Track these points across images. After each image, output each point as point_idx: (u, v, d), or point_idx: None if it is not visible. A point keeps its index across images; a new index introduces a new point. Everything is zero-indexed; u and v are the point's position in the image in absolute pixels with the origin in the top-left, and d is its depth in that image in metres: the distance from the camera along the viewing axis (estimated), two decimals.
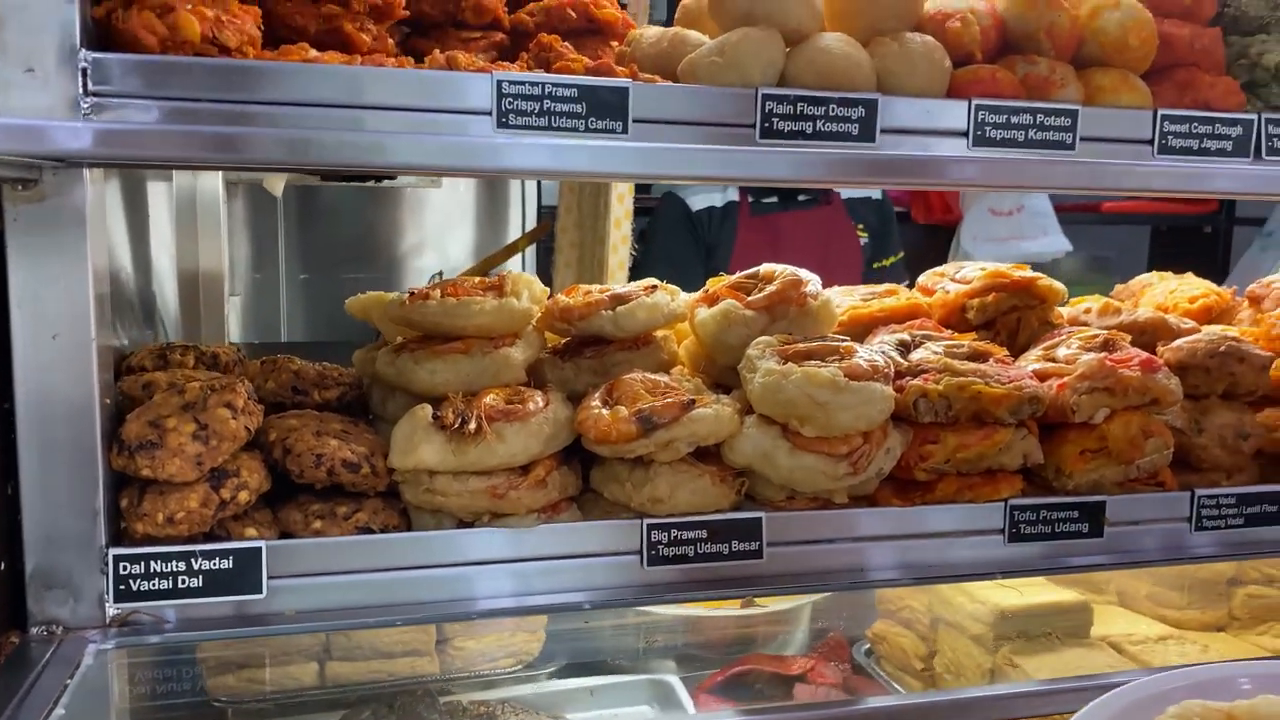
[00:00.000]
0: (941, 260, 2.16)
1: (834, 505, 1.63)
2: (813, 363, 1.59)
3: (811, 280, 1.79)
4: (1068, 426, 1.73)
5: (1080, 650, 2.04)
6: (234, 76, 1.30)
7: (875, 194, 4.43)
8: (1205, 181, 1.69)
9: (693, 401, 1.53)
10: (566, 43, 1.76)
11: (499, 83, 1.39)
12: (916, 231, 5.60)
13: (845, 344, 1.66)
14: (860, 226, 4.38)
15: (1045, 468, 1.73)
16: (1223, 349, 1.82)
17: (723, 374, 1.74)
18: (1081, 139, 1.63)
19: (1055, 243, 5.42)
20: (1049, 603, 2.10)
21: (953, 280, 2.02)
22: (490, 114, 1.40)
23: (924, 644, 2.24)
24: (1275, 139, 1.71)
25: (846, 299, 2.02)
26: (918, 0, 1.62)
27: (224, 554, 1.39)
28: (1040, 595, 2.10)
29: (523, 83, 1.40)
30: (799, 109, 1.50)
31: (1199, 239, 6.44)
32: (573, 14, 1.80)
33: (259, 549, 1.40)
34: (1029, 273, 1.98)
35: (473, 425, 1.47)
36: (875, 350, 1.68)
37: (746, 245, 4.16)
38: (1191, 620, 2.47)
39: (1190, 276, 2.47)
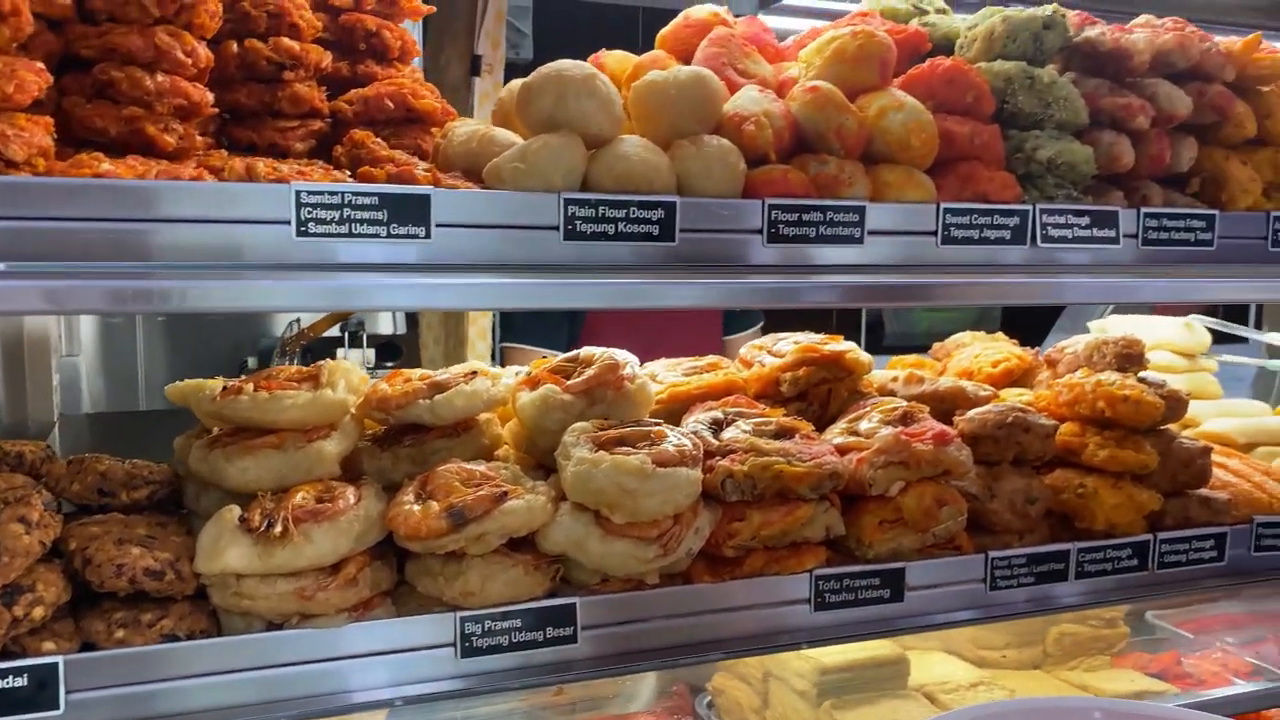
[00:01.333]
0: (807, 326, 2.27)
1: (647, 585, 1.69)
2: (624, 449, 1.65)
3: (629, 363, 1.86)
4: (867, 498, 1.83)
5: (896, 702, 2.16)
6: (13, 194, 1.29)
7: None
8: (988, 272, 1.81)
9: (505, 494, 1.58)
10: (383, 135, 1.79)
11: (298, 193, 1.41)
12: None
13: (658, 428, 1.73)
14: None
15: (848, 538, 1.83)
16: (1010, 420, 1.95)
17: (545, 456, 1.79)
18: (869, 232, 1.74)
19: None
20: (867, 658, 2.21)
21: (769, 353, 2.12)
22: (290, 223, 1.42)
23: (758, 697, 2.33)
24: (1049, 228, 1.86)
25: (670, 374, 2.10)
26: (715, 105, 1.71)
27: (17, 671, 1.37)
28: (860, 650, 2.21)
29: (321, 192, 1.42)
30: (600, 212, 1.56)
31: None
32: (390, 104, 1.83)
33: (55, 664, 1.38)
34: (840, 345, 2.09)
35: (279, 528, 1.48)
36: (686, 433, 1.76)
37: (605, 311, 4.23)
38: (1009, 660, 2.63)
39: (1000, 338, 2.64)
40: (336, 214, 1.44)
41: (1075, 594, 1.99)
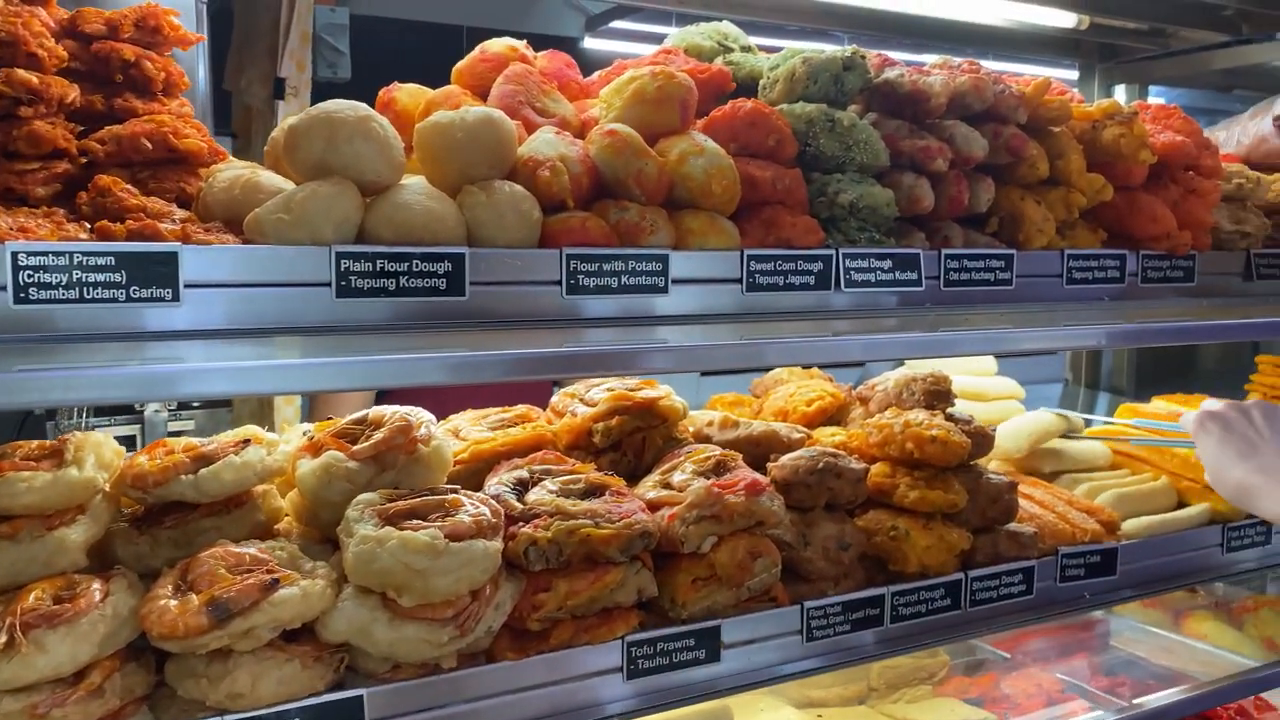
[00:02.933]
0: None
1: (444, 669, 1.56)
2: (414, 523, 1.52)
3: (424, 423, 1.73)
4: (680, 557, 1.76)
5: None
6: None
7: None
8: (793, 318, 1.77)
9: (276, 581, 1.42)
10: (142, 177, 1.61)
11: (14, 255, 1.23)
12: None
13: (453, 496, 1.61)
14: None
15: (661, 598, 1.75)
16: (821, 465, 1.92)
17: (331, 529, 1.63)
18: (674, 281, 1.67)
19: None
20: (688, 711, 2.13)
21: (582, 401, 2.03)
22: (6, 288, 1.23)
23: None
24: (852, 271, 1.84)
25: (475, 429, 1.97)
26: (507, 148, 1.60)
27: None
28: (680, 709, 2.13)
29: (44, 253, 1.24)
30: (379, 266, 1.44)
31: None
32: (148, 144, 1.64)
33: None
34: (653, 391, 2.02)
35: (3, 638, 1.28)
36: (486, 498, 1.64)
37: None
38: (836, 696, 2.62)
39: (816, 374, 2.64)
40: (64, 276, 1.26)
41: (891, 639, 1.97)
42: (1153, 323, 1.99)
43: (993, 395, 2.93)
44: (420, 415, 1.74)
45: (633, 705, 1.70)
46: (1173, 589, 2.35)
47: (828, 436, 2.20)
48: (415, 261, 1.46)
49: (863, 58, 1.95)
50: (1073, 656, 3.27)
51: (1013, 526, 2.15)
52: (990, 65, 2.19)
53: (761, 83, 2.00)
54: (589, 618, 1.67)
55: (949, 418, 2.12)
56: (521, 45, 1.97)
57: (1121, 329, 1.96)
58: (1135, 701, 2.23)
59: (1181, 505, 2.50)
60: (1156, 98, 4.24)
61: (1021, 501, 2.23)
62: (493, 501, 1.63)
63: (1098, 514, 2.30)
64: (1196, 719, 2.80)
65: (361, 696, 1.48)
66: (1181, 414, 2.50)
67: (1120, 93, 4.06)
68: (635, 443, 2.00)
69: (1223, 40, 3.66)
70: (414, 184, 1.52)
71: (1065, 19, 3.42)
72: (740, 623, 1.80)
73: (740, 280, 1.73)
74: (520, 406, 2.10)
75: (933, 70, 2.06)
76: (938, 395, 2.28)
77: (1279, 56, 3.76)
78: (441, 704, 1.55)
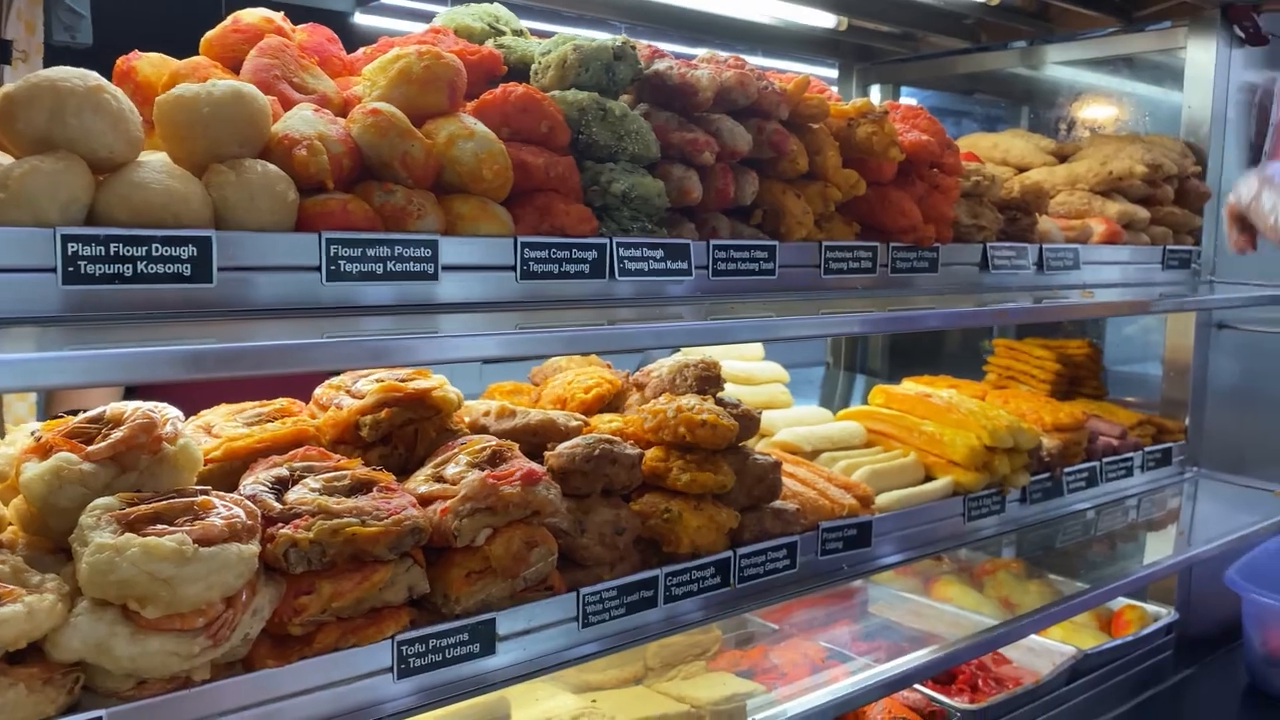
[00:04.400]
0: None
1: (197, 681, 1.46)
2: (159, 528, 1.41)
3: (170, 419, 1.61)
4: (454, 551, 1.72)
5: None
6: None
7: None
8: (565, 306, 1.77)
9: None
10: None
11: None
12: None
13: (203, 497, 1.50)
14: None
15: (433, 594, 1.71)
16: (597, 453, 1.93)
17: (64, 539, 1.49)
18: (444, 268, 1.63)
19: None
20: (463, 706, 2.10)
21: (348, 394, 1.95)
22: None
23: None
24: (626, 260, 1.86)
25: (230, 425, 1.85)
26: (259, 125, 1.51)
27: None
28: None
29: None
30: (113, 250, 1.31)
31: None
32: None
33: None
34: (426, 382, 1.97)
35: None
36: (241, 499, 1.54)
37: None
38: (613, 679, 2.65)
39: (595, 361, 2.65)
40: None
41: (665, 619, 2.01)
42: (903, 311, 2.13)
43: (761, 379, 3.05)
44: (166, 411, 1.61)
45: (405, 705, 1.65)
46: (922, 557, 2.53)
47: (605, 423, 2.22)
48: (155, 245, 1.34)
49: (633, 48, 1.97)
50: (835, 625, 3.47)
51: (777, 504, 2.24)
52: (757, 62, 2.27)
53: (533, 68, 1.98)
54: (356, 619, 1.61)
55: (719, 402, 2.19)
56: (279, 17, 1.85)
57: (874, 317, 2.08)
58: (889, 664, 2.37)
59: (929, 479, 2.69)
60: (908, 98, 4.55)
61: (785, 480, 2.33)
62: (248, 502, 1.54)
63: (854, 489, 2.44)
64: (944, 675, 3.04)
65: (100, 718, 1.36)
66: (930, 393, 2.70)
67: (875, 92, 4.32)
68: (406, 435, 1.94)
69: (964, 47, 3.96)
70: (154, 161, 1.40)
71: (826, 19, 3.60)
72: (516, 614, 1.79)
73: (514, 268, 1.71)
74: (280, 400, 1.99)
75: (700, 64, 2.10)
76: (709, 380, 2.34)
77: (1012, 64, 4.11)
78: (194, 719, 1.45)
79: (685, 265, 1.94)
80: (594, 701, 2.37)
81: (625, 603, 1.95)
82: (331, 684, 1.58)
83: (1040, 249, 2.74)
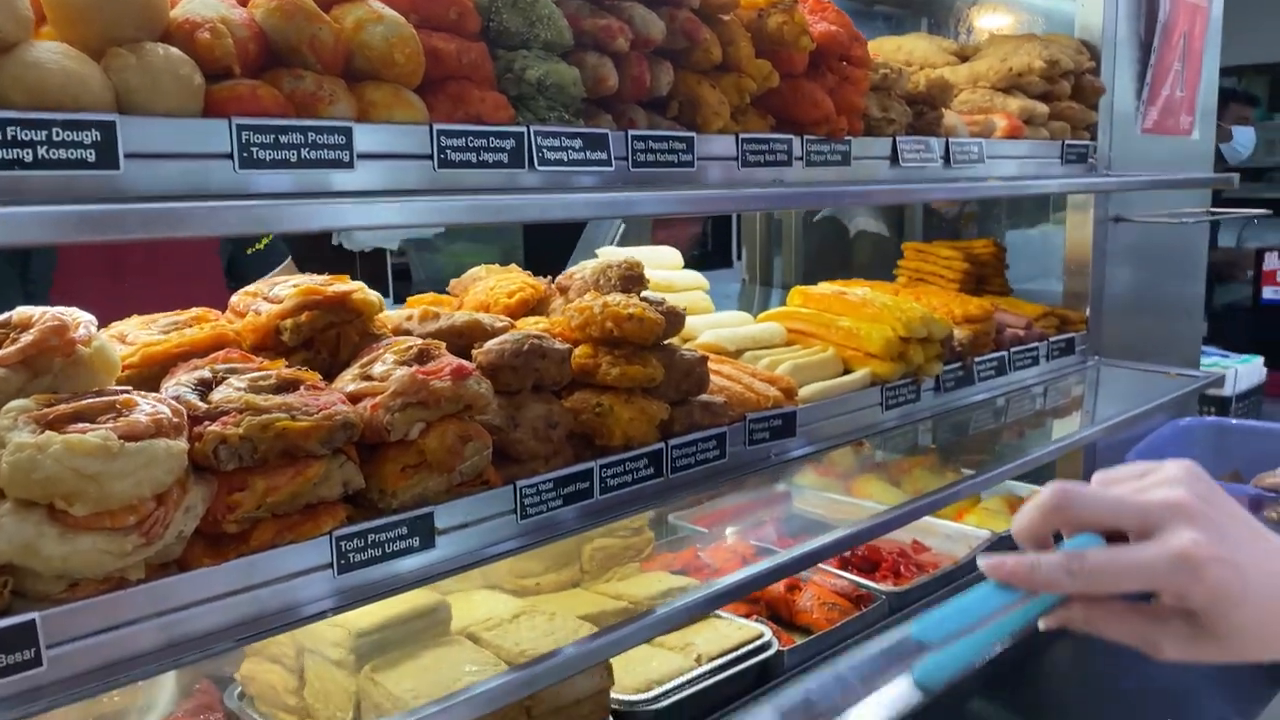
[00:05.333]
0: (330, 271, 2.03)
1: (132, 581, 1.43)
2: (80, 426, 1.37)
3: (83, 323, 1.55)
4: (387, 445, 1.71)
5: (439, 650, 2.09)
6: None
7: None
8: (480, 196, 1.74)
9: None
10: None
11: None
12: None
13: (125, 396, 1.46)
14: None
15: (369, 490, 1.70)
16: (526, 348, 1.93)
17: None
18: (359, 155, 1.59)
19: None
20: (405, 611, 2.11)
21: (265, 299, 1.90)
22: None
23: (293, 676, 2.14)
24: (544, 150, 1.84)
25: (144, 333, 1.80)
26: (158, 8, 1.44)
27: None
28: (395, 605, 2.09)
29: None
30: (10, 134, 1.25)
31: None
32: None
33: None
34: (346, 285, 1.93)
35: None
36: (165, 398, 1.50)
37: (77, 259, 3.63)
38: (550, 583, 2.68)
39: (514, 269, 2.63)
40: None
41: (601, 509, 2.04)
42: (816, 187, 2.16)
43: (681, 286, 3.07)
44: (78, 315, 1.55)
45: (346, 599, 1.65)
46: (843, 444, 2.60)
47: (531, 325, 2.21)
48: (56, 129, 1.28)
49: None
50: (763, 526, 3.55)
51: (705, 397, 2.28)
52: None
53: None
54: (292, 515, 1.59)
55: (643, 299, 2.20)
56: None
57: (785, 192, 2.10)
58: (800, 545, 2.39)
59: (848, 373, 2.76)
60: None
61: (711, 376, 2.37)
62: (172, 401, 1.50)
63: (778, 382, 2.49)
64: (865, 561, 3.15)
65: (34, 621, 1.32)
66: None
67: None
68: (329, 340, 1.91)
69: None
70: (47, 44, 1.33)
71: None
72: (453, 507, 1.79)
73: (431, 156, 1.68)
74: (195, 310, 1.93)
75: None
76: (632, 280, 2.35)
77: None
78: (131, 619, 1.42)
79: (605, 156, 1.93)
80: (533, 603, 2.39)
81: (562, 495, 1.96)
82: (271, 581, 1.57)
83: (947, 143, 2.80)
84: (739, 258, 5.91)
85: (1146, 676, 2.87)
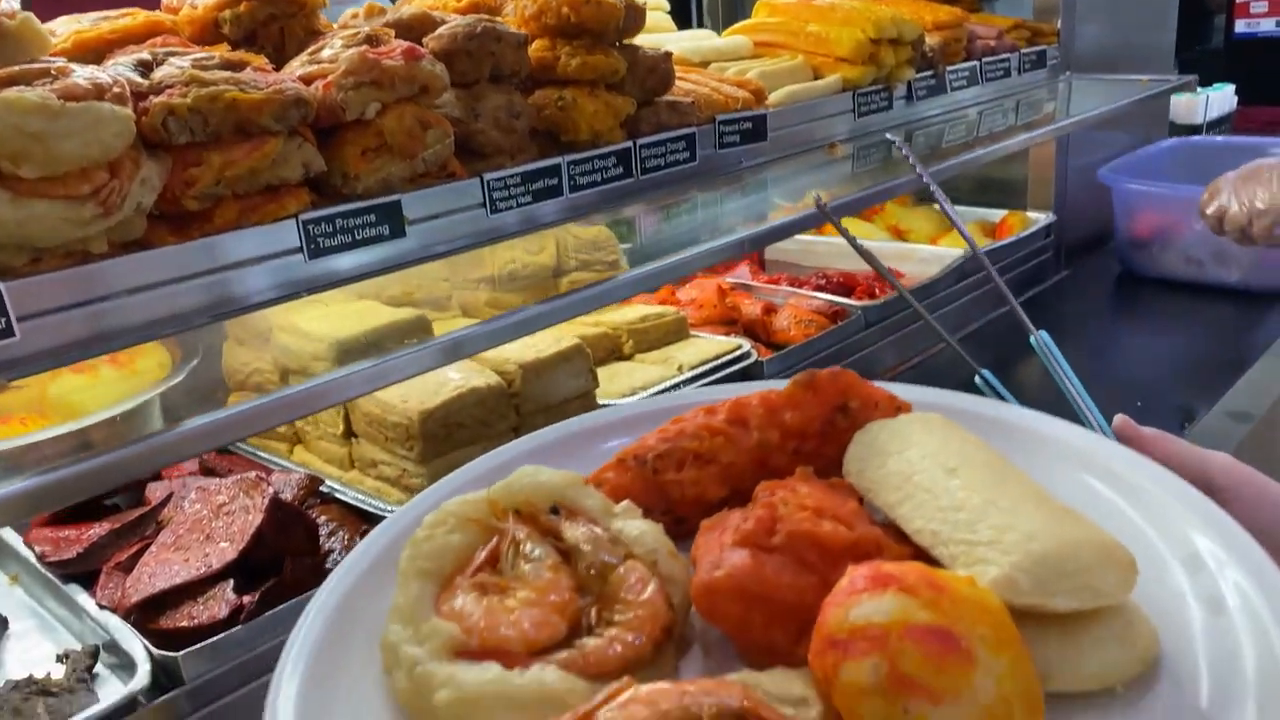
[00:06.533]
0: None
1: (96, 256, 1.40)
2: (17, 89, 1.30)
3: None
4: (345, 128, 1.65)
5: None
6: None
7: None
8: None
9: None
10: None
11: None
12: None
13: (59, 64, 1.38)
14: None
15: (332, 175, 1.65)
16: (480, 30, 1.84)
17: None
18: None
19: None
20: (388, 323, 2.10)
21: None
22: None
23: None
24: None
25: (74, 25, 1.70)
26: None
27: None
28: (379, 317, 2.09)
29: None
30: None
31: None
32: None
33: None
34: None
35: None
36: (103, 70, 1.43)
37: None
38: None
39: None
40: None
41: (571, 208, 2.01)
42: None
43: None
44: None
45: (319, 285, 1.63)
46: (814, 148, 2.55)
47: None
48: None
49: None
50: (737, 265, 3.56)
51: (672, 97, 2.21)
52: None
53: None
54: (254, 196, 1.55)
55: None
56: None
57: None
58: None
59: (818, 80, 2.68)
60: None
61: (679, 81, 2.29)
62: (112, 71, 1.43)
63: (747, 85, 2.42)
64: (840, 286, 3.17)
65: (0, 290, 1.30)
66: None
67: None
68: (273, 34, 1.82)
69: None
70: None
71: None
72: (421, 197, 1.75)
73: None
74: (127, 8, 1.82)
75: None
76: None
77: None
78: (97, 296, 1.40)
79: None
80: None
81: (531, 190, 1.93)
82: (243, 263, 1.54)
83: None
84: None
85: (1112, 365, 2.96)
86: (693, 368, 2.49)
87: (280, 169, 1.56)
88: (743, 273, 3.44)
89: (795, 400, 0.98)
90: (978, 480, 0.83)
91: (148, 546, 1.76)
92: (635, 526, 0.90)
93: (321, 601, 0.88)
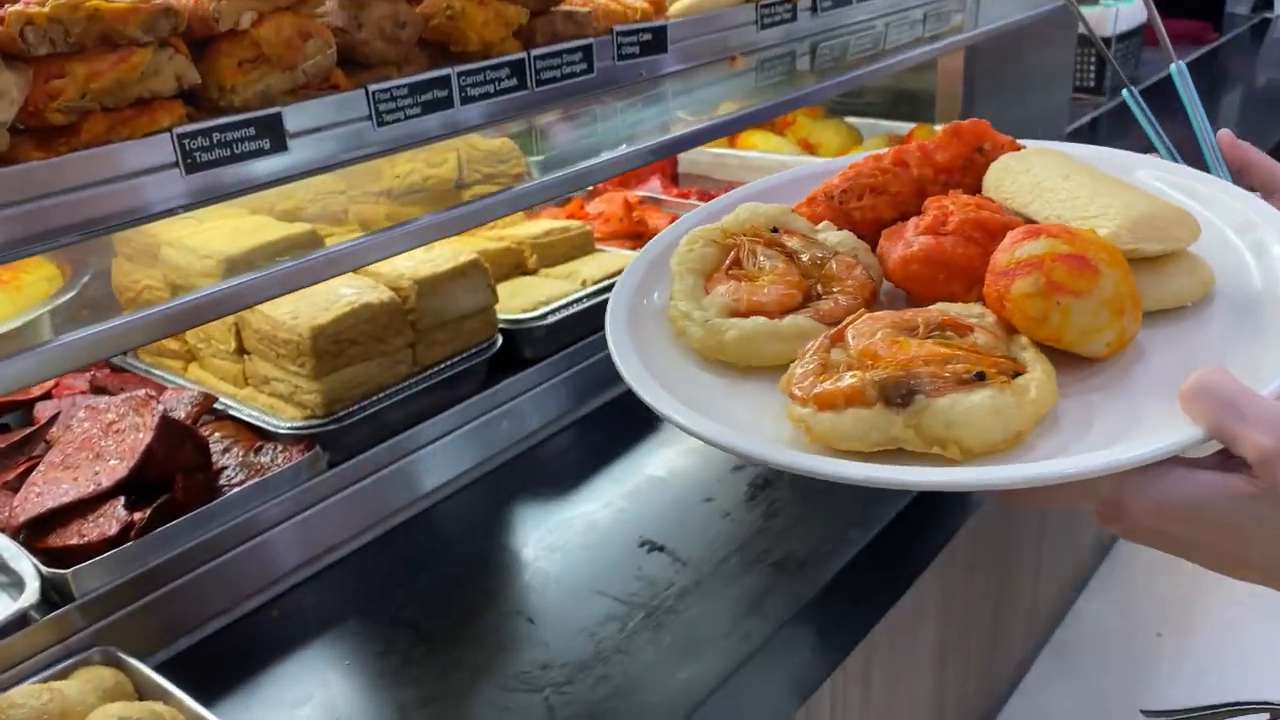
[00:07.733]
0: None
1: None
2: None
3: None
4: (220, 39, 1.62)
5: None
6: None
7: None
8: None
9: None
10: None
11: None
12: None
13: None
14: None
15: (208, 89, 1.62)
16: None
17: None
18: None
19: None
20: (280, 237, 2.08)
21: None
22: None
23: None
24: None
25: None
26: None
27: None
28: (271, 232, 2.06)
29: None
30: None
31: None
32: None
33: None
34: None
35: None
36: None
37: None
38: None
39: None
40: None
41: (466, 120, 1.99)
42: None
43: None
44: None
45: (198, 199, 1.61)
46: (716, 61, 2.55)
47: None
48: None
49: None
50: (648, 180, 3.56)
51: (567, 8, 2.18)
52: None
53: None
54: (124, 110, 1.51)
55: None
56: None
57: None
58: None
59: None
60: None
61: None
62: None
63: None
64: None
65: None
66: None
67: None
68: None
69: None
70: None
71: None
72: (302, 109, 1.71)
73: None
74: None
75: None
76: None
77: None
78: None
79: None
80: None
81: (420, 102, 1.90)
82: (116, 178, 1.51)
83: None
84: None
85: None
86: (596, 282, 2.51)
87: (150, 81, 1.52)
88: (654, 187, 3.45)
89: (943, 144, 1.30)
90: (1086, 181, 1.16)
91: (35, 465, 1.75)
92: (835, 235, 1.25)
93: (618, 301, 1.23)
